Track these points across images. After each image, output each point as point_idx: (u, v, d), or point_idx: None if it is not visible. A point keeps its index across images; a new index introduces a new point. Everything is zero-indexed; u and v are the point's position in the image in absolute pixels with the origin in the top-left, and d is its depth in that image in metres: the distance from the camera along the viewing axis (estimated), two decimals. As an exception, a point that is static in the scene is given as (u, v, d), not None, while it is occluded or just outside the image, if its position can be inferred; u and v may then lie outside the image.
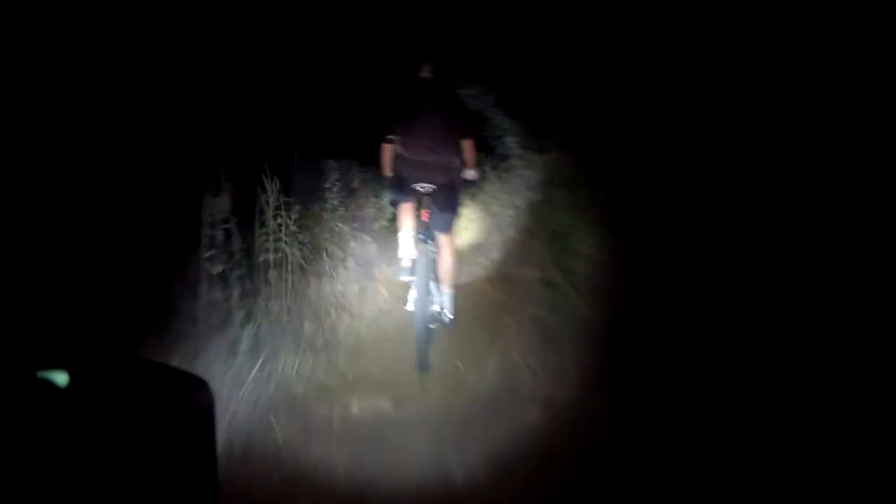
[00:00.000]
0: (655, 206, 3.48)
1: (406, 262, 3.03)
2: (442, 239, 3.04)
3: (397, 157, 3.07)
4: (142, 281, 2.40)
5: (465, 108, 3.18)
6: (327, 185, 3.57)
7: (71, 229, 2.36)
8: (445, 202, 3.01)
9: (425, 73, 3.13)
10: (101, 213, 2.43)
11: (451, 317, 3.07)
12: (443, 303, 3.04)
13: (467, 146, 3.07)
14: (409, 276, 3.01)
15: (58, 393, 0.64)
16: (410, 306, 2.99)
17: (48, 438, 0.59)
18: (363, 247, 3.78)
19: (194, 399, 0.72)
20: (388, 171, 3.15)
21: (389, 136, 3.08)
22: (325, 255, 3.30)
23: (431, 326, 2.94)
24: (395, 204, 3.22)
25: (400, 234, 3.11)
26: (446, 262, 3.05)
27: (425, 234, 2.98)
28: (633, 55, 3.85)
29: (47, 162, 2.37)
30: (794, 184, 2.79)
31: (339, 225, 3.57)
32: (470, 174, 3.17)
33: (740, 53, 3.21)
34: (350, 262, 3.52)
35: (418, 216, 3.05)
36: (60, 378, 0.65)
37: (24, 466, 0.56)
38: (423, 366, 2.82)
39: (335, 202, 3.57)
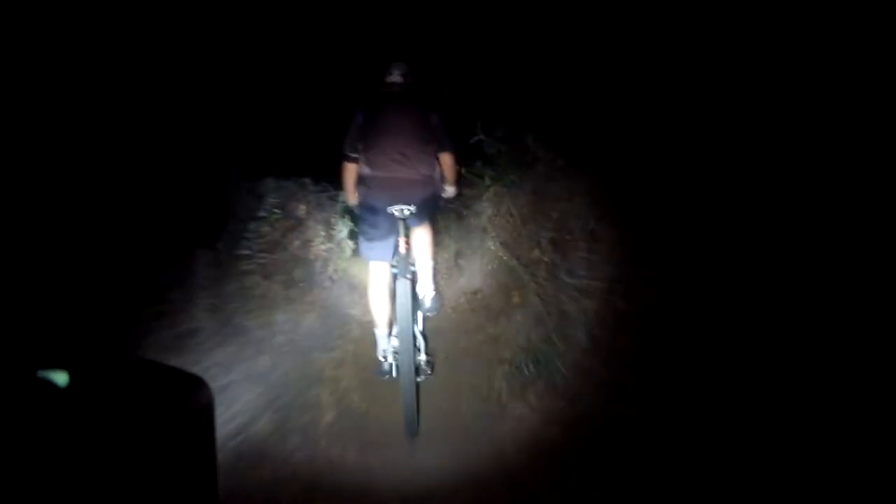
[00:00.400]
0: (653, 206, 3.49)
1: (386, 365, 2.51)
2: (419, 240, 2.58)
3: (363, 179, 2.54)
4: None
5: (442, 117, 2.65)
6: (262, 215, 2.80)
7: (71, 231, 2.37)
8: (425, 220, 2.58)
9: (395, 76, 2.65)
10: (97, 217, 2.44)
11: (433, 295, 2.64)
12: (424, 346, 2.55)
13: (446, 160, 2.64)
14: (390, 376, 2.50)
15: (58, 393, 0.64)
16: (388, 359, 2.53)
17: (48, 438, 0.59)
18: (300, 317, 2.81)
19: (194, 399, 0.72)
20: (352, 196, 2.65)
21: (351, 154, 2.55)
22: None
23: (419, 380, 2.43)
24: (365, 256, 2.65)
25: (376, 330, 2.58)
26: (424, 239, 2.60)
27: (403, 265, 2.41)
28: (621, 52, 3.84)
29: (47, 166, 2.38)
30: (793, 184, 2.79)
31: (262, 281, 2.71)
32: (448, 191, 2.77)
33: (735, 52, 3.21)
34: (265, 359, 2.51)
35: (396, 252, 2.50)
36: (60, 378, 0.65)
37: (25, 466, 0.57)
38: (412, 431, 2.37)
39: (259, 244, 2.69)
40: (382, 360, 2.52)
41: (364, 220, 2.58)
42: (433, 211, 2.68)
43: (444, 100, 3.24)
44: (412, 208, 2.43)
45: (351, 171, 2.57)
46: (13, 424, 0.59)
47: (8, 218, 2.21)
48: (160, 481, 0.65)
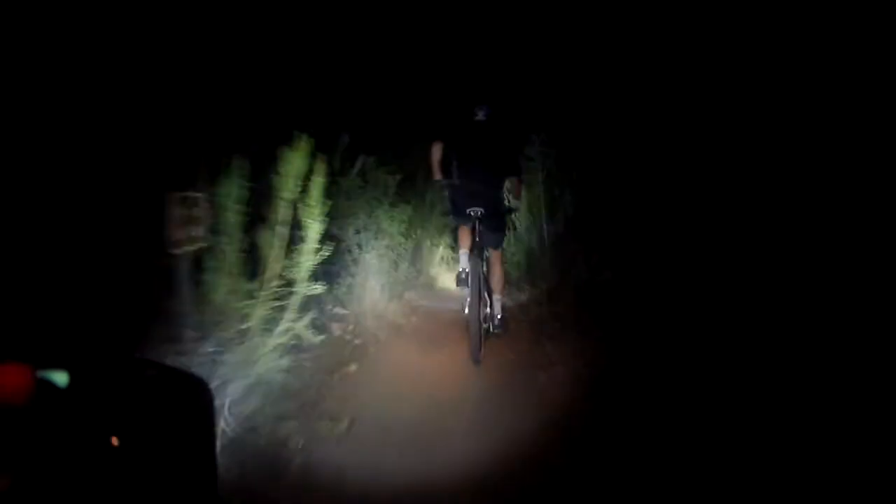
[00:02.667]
0: (650, 206, 3.50)
1: (463, 275, 3.41)
2: (492, 254, 3.57)
3: (453, 187, 3.51)
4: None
5: (519, 150, 3.75)
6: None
7: (71, 230, 2.37)
8: (493, 224, 3.48)
9: (480, 116, 3.49)
10: (100, 215, 2.43)
11: (500, 317, 3.56)
12: (494, 307, 3.52)
13: (515, 182, 3.72)
14: (465, 286, 3.39)
15: (58, 393, 0.64)
16: (466, 310, 3.41)
17: (48, 438, 0.59)
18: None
19: (194, 399, 0.72)
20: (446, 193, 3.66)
21: (445, 175, 3.58)
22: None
23: (484, 325, 3.35)
24: (455, 225, 3.76)
25: (459, 252, 3.54)
26: (496, 274, 3.59)
27: (478, 250, 3.40)
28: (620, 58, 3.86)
29: (47, 163, 2.38)
30: (790, 184, 2.79)
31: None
32: (514, 203, 3.92)
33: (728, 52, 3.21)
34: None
35: (473, 236, 3.42)
36: (60, 378, 0.65)
37: (25, 466, 0.57)
38: (476, 359, 3.22)
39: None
40: (461, 270, 3.42)
41: (455, 211, 3.57)
42: (500, 219, 3.63)
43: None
44: (482, 210, 3.36)
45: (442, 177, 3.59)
46: (14, 424, 0.59)
47: (8, 218, 2.20)
48: (161, 480, 0.65)
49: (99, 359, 0.76)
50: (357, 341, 3.33)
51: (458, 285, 3.47)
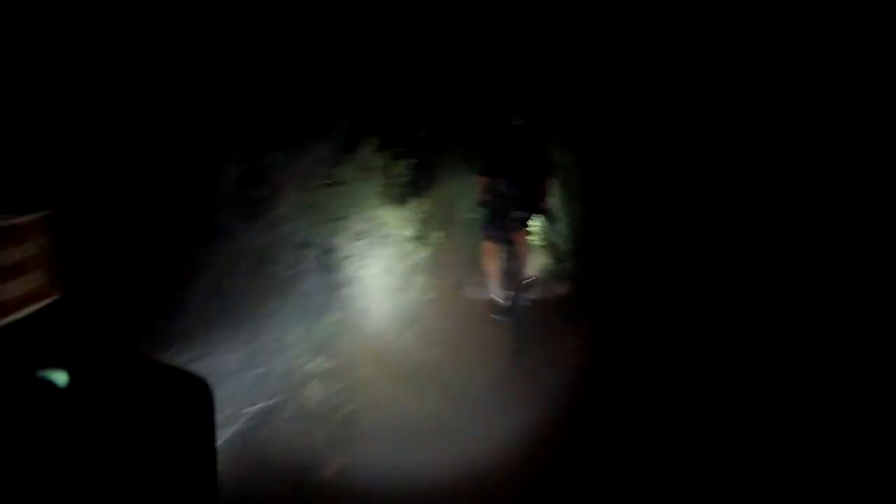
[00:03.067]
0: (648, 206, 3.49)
1: (501, 312, 3.53)
2: (521, 242, 3.59)
3: (489, 191, 3.57)
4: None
5: (549, 153, 3.79)
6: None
7: (71, 230, 2.36)
8: (524, 220, 3.60)
9: (517, 121, 3.63)
10: (98, 213, 2.43)
11: (531, 300, 3.58)
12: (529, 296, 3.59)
13: (545, 183, 3.75)
14: (505, 319, 3.50)
15: (58, 393, 0.64)
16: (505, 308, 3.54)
17: (48, 438, 0.59)
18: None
19: (194, 398, 0.72)
20: (482, 198, 3.68)
21: (484, 174, 3.63)
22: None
23: (524, 323, 3.41)
24: (487, 238, 3.71)
25: (491, 283, 3.63)
26: (523, 260, 3.58)
27: (511, 251, 3.52)
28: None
29: (47, 160, 2.37)
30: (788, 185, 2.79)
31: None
32: (544, 203, 3.88)
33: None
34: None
35: (504, 242, 3.54)
36: (60, 378, 0.65)
37: (25, 466, 0.56)
38: (521, 366, 3.22)
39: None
40: (501, 304, 3.53)
41: (489, 219, 3.63)
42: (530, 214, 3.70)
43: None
44: (520, 212, 3.51)
45: (483, 184, 3.62)
46: (13, 424, 0.59)
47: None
48: (161, 480, 0.64)
49: (99, 359, 0.75)
50: (346, 408, 2.46)
51: (496, 322, 3.53)
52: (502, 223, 3.52)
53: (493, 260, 3.58)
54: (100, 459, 0.60)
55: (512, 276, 3.49)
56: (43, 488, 0.56)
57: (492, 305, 3.53)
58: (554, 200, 4.12)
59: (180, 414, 0.69)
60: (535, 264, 3.80)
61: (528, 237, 3.67)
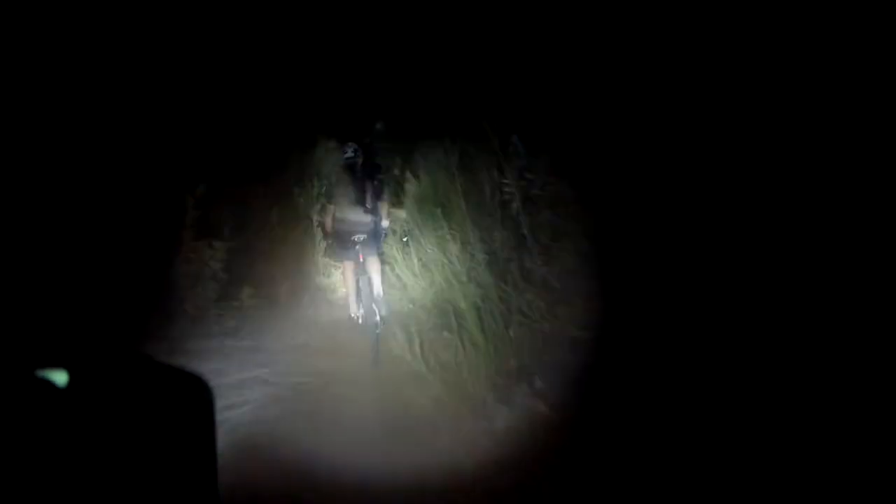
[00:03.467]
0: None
1: (354, 315, 4.18)
2: (371, 262, 4.09)
3: (336, 219, 4.08)
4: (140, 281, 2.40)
5: (380, 179, 4.19)
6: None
7: (70, 231, 2.36)
8: (372, 244, 4.10)
9: (349, 152, 4.07)
10: (97, 216, 2.43)
11: (383, 314, 4.01)
12: (380, 310, 4.01)
13: (384, 206, 4.20)
14: (357, 314, 4.17)
15: (57, 392, 0.64)
16: (360, 321, 4.15)
17: (48, 438, 0.59)
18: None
19: (194, 398, 0.72)
20: (329, 231, 4.23)
21: (329, 205, 4.17)
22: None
23: (377, 331, 3.84)
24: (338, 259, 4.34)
25: (348, 296, 4.23)
26: (377, 279, 4.10)
27: (362, 270, 4.06)
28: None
29: (48, 167, 2.38)
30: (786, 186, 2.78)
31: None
32: (385, 223, 4.28)
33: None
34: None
35: (355, 263, 4.07)
36: (60, 377, 0.65)
37: (24, 466, 0.56)
38: (376, 364, 3.69)
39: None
40: (354, 316, 4.21)
41: (338, 244, 4.21)
42: (377, 239, 4.19)
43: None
44: (364, 235, 4.03)
45: (330, 215, 4.17)
46: (13, 424, 0.59)
47: (8, 219, 2.20)
48: (161, 481, 0.64)
49: (99, 358, 0.75)
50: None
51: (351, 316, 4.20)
52: (350, 241, 4.03)
53: (349, 273, 4.14)
54: (100, 458, 0.60)
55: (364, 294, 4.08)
56: (43, 488, 0.56)
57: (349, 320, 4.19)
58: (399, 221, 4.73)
59: (180, 413, 0.69)
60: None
61: (378, 255, 4.18)
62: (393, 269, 4.60)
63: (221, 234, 4.17)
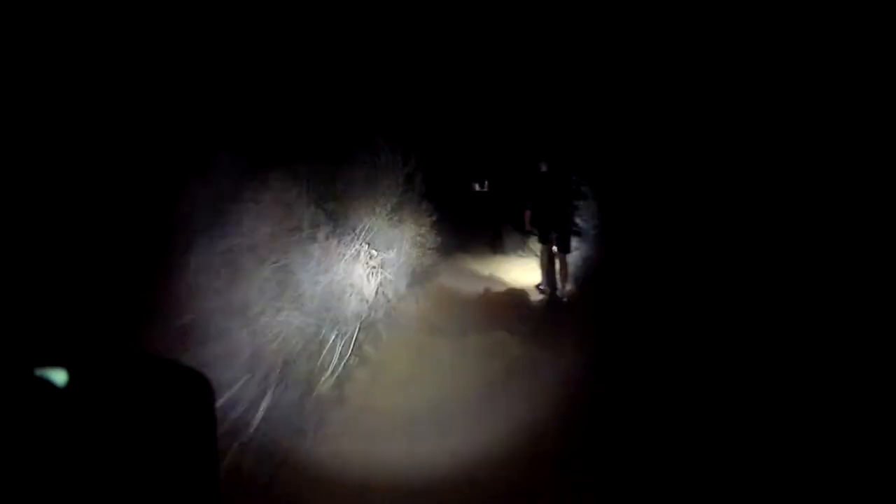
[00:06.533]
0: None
1: (544, 286, 5.55)
2: (562, 257, 5.30)
3: (534, 217, 5.38)
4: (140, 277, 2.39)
5: (574, 189, 5.26)
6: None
7: (70, 228, 2.36)
8: (564, 240, 5.28)
9: (543, 167, 5.23)
10: (98, 212, 2.43)
11: (566, 299, 5.29)
12: (563, 289, 5.35)
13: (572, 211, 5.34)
14: (544, 285, 5.54)
15: (57, 392, 0.64)
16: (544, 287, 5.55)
17: (47, 438, 0.59)
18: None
19: (194, 396, 0.72)
20: (528, 226, 5.55)
21: (529, 206, 5.44)
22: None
23: (564, 299, 5.30)
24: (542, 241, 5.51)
25: (542, 268, 5.56)
26: (564, 270, 5.32)
27: (553, 256, 5.33)
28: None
29: (46, 162, 2.37)
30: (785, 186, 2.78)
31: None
32: (576, 224, 5.46)
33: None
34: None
35: (550, 249, 5.31)
36: (60, 377, 0.65)
37: (24, 466, 0.56)
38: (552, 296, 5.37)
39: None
40: (543, 287, 5.57)
41: (540, 234, 5.52)
42: (567, 236, 5.36)
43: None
44: (557, 234, 5.26)
45: (528, 215, 5.50)
46: (12, 424, 0.59)
47: (8, 217, 2.20)
48: (160, 479, 0.64)
49: (98, 356, 0.75)
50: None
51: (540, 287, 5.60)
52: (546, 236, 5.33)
53: (545, 253, 5.41)
54: (99, 458, 0.60)
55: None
56: (43, 487, 0.56)
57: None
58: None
59: (180, 409, 0.69)
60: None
61: (569, 250, 5.34)
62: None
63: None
